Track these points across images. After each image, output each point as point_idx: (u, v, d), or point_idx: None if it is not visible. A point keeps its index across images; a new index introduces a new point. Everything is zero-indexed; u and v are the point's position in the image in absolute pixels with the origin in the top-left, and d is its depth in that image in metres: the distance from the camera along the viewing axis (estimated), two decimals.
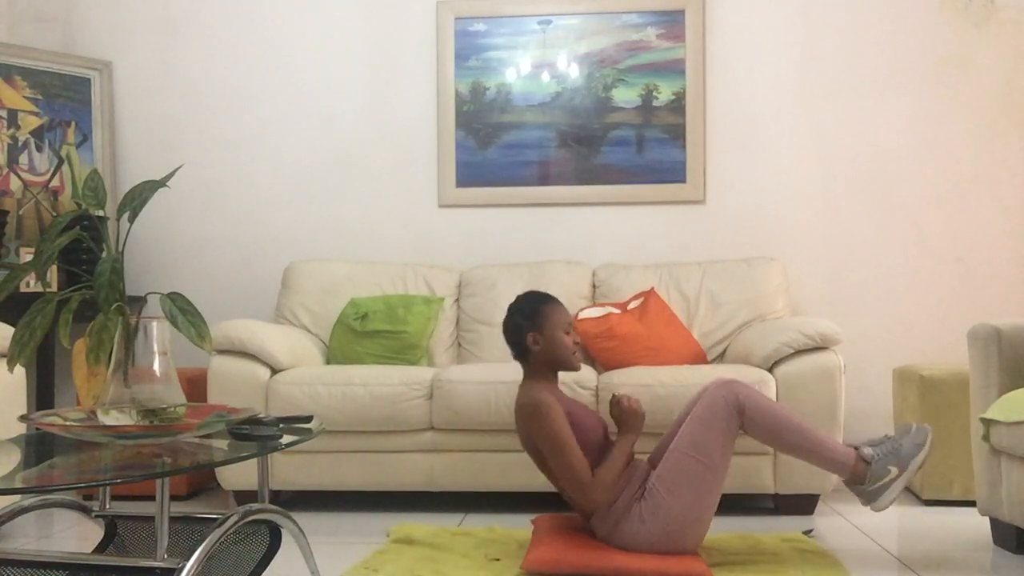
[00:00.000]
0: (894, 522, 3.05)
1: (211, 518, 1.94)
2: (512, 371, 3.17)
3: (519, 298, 2.65)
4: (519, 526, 2.82)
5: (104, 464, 1.74)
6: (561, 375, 3.10)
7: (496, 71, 4.03)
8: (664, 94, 3.97)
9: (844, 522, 3.02)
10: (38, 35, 4.15)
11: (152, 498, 1.62)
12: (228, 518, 1.69)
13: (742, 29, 3.97)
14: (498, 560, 2.49)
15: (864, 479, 2.42)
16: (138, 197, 1.89)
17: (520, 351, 2.59)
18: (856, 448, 2.45)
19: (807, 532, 2.80)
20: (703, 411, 2.44)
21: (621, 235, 3.98)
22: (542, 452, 2.48)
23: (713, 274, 3.71)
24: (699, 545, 2.45)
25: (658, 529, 2.37)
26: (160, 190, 1.89)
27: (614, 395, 2.59)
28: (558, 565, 2.33)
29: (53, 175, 3.99)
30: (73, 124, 4.05)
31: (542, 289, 3.64)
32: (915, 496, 3.37)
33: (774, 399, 2.60)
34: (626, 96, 3.99)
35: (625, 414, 2.53)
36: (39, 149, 3.96)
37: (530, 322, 2.55)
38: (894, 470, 2.41)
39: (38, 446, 1.97)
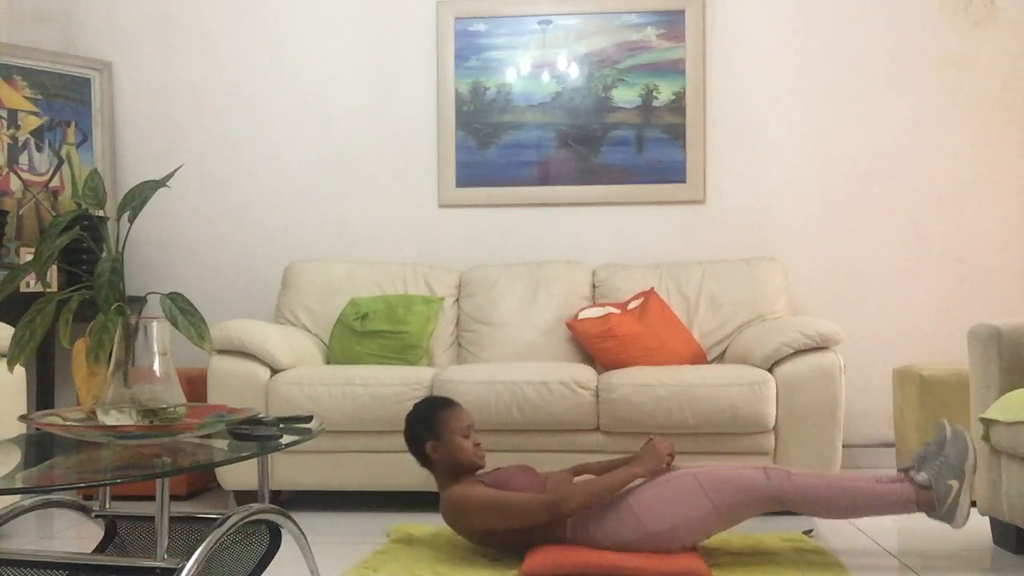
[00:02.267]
0: (894, 522, 3.05)
1: (211, 518, 1.94)
2: (512, 371, 3.18)
3: (415, 406, 2.66)
4: None
5: (104, 464, 1.74)
6: (559, 377, 3.12)
7: (496, 71, 4.03)
8: (664, 94, 3.97)
9: (844, 522, 3.02)
10: (38, 35, 4.15)
11: (152, 498, 1.62)
12: (228, 518, 1.69)
13: (742, 29, 3.97)
14: (498, 560, 2.49)
15: (933, 505, 2.39)
16: (138, 197, 1.88)
17: (423, 460, 2.59)
18: (909, 479, 2.41)
19: (807, 532, 2.80)
20: (742, 475, 2.41)
21: (621, 235, 3.98)
22: (496, 532, 2.47)
23: (713, 274, 3.71)
24: (691, 545, 2.45)
25: (637, 526, 2.37)
26: (160, 190, 1.89)
27: (651, 438, 2.54)
28: (557, 565, 2.33)
29: (53, 175, 3.99)
30: (73, 124, 4.05)
31: (542, 290, 3.69)
32: None
33: (818, 474, 2.51)
34: (626, 96, 3.99)
35: (650, 452, 2.48)
36: (39, 149, 3.96)
37: (429, 431, 2.55)
38: (955, 483, 2.38)
39: (38, 446, 1.97)
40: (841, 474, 2.53)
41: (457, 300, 3.81)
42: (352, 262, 3.90)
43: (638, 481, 2.51)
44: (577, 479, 2.56)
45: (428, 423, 2.57)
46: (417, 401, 2.72)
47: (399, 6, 4.09)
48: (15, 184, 3.89)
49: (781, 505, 2.41)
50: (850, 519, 2.55)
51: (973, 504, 2.43)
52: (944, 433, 2.47)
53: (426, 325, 3.59)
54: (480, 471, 2.58)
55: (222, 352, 3.21)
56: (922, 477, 2.40)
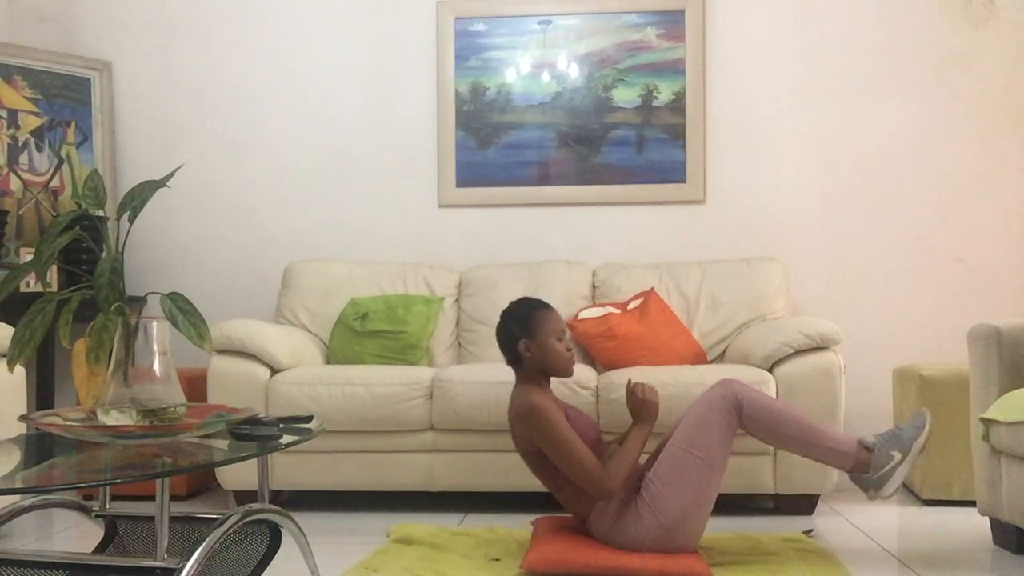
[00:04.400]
0: (894, 522, 3.06)
1: (211, 518, 1.94)
2: (512, 372, 3.18)
3: (512, 304, 2.64)
4: (519, 526, 2.82)
5: (104, 464, 1.74)
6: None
7: (496, 71, 4.03)
8: (664, 94, 3.97)
9: (844, 522, 3.02)
10: (38, 35, 4.15)
11: (152, 498, 1.62)
12: (228, 518, 1.69)
13: (742, 29, 3.97)
14: (498, 560, 2.49)
15: (868, 467, 2.42)
16: (138, 197, 1.89)
17: (513, 357, 2.58)
18: (858, 439, 2.46)
19: (807, 532, 2.80)
20: (701, 409, 2.45)
21: (621, 235, 3.98)
22: (541, 455, 2.47)
23: (713, 274, 3.71)
24: (697, 542, 2.46)
25: (655, 524, 2.37)
26: (160, 190, 1.89)
27: (630, 381, 2.57)
28: (558, 565, 2.33)
29: (53, 175, 3.99)
30: (73, 124, 4.05)
31: (542, 289, 3.69)
32: (915, 496, 3.38)
33: (774, 397, 2.61)
34: (626, 96, 3.99)
35: (639, 404, 2.51)
36: (39, 149, 3.96)
37: (523, 329, 2.54)
38: (897, 455, 2.41)
39: (38, 446, 1.97)
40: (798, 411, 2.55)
41: (457, 300, 3.81)
42: (352, 262, 3.90)
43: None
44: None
45: (523, 321, 2.55)
46: (514, 300, 2.68)
47: (399, 6, 4.09)
48: (15, 184, 3.89)
49: (739, 415, 2.42)
50: (790, 451, 2.55)
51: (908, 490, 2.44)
52: (922, 418, 2.50)
53: (426, 325, 3.59)
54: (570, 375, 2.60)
55: (222, 352, 3.21)
56: (869, 439, 2.44)
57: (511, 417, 2.53)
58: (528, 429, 2.47)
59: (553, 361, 2.53)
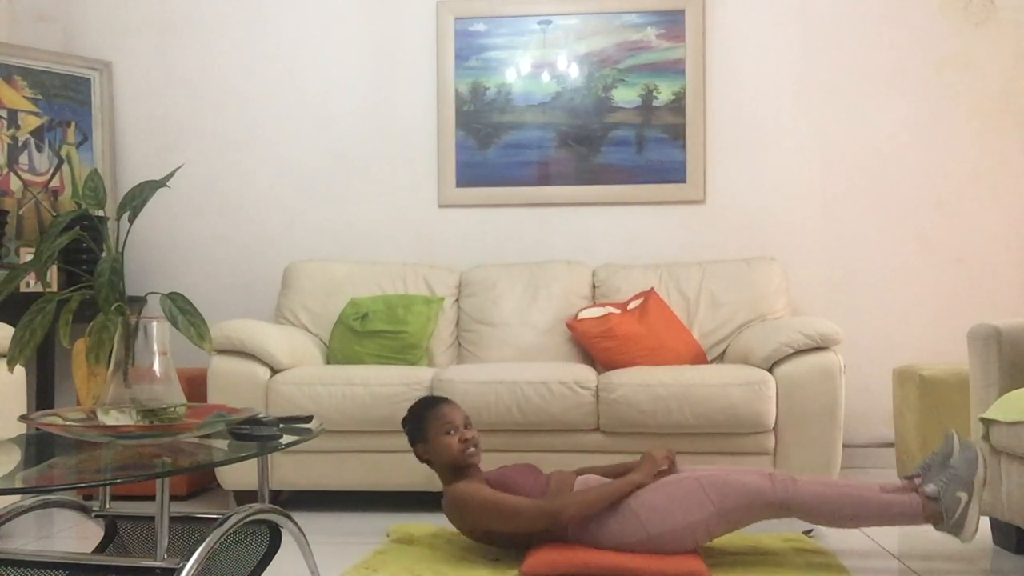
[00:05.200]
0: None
1: (211, 518, 1.94)
2: (512, 371, 3.18)
3: (409, 409, 2.68)
4: None
5: (104, 464, 1.74)
6: (559, 377, 3.11)
7: (496, 71, 4.03)
8: (664, 94, 3.97)
9: None
10: (38, 35, 4.15)
11: (152, 498, 1.62)
12: (228, 518, 1.69)
13: (742, 29, 3.97)
14: (498, 560, 2.49)
15: (940, 517, 2.34)
16: (138, 197, 1.89)
17: (423, 461, 2.64)
18: (916, 488, 2.38)
19: (807, 532, 2.80)
20: (746, 481, 2.40)
21: (621, 235, 3.98)
22: (493, 531, 2.49)
23: (713, 274, 3.71)
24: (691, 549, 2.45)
25: (639, 529, 2.37)
26: (160, 190, 1.89)
27: (672, 451, 2.55)
28: (557, 565, 2.33)
29: (53, 175, 3.99)
30: (73, 124, 4.05)
31: (542, 290, 3.69)
32: None
33: (823, 480, 2.50)
34: (626, 96, 3.99)
35: (649, 461, 2.48)
36: (39, 149, 3.96)
37: (418, 434, 2.60)
38: (964, 495, 2.33)
39: (38, 446, 1.97)
40: (846, 482, 2.51)
41: (457, 300, 3.81)
42: (352, 262, 3.90)
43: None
44: (580, 478, 2.55)
45: (416, 427, 2.62)
46: (414, 402, 2.73)
47: (399, 6, 4.09)
48: (15, 184, 3.89)
49: (786, 513, 2.40)
50: (855, 528, 2.53)
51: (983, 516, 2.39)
52: (951, 444, 2.43)
53: (426, 325, 3.59)
54: (482, 469, 2.59)
55: (222, 352, 3.21)
56: (930, 488, 2.35)
57: (449, 517, 2.56)
58: (465, 519, 2.52)
59: (446, 457, 2.55)
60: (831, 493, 2.39)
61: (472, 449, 2.57)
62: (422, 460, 2.64)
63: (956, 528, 2.34)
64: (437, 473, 2.63)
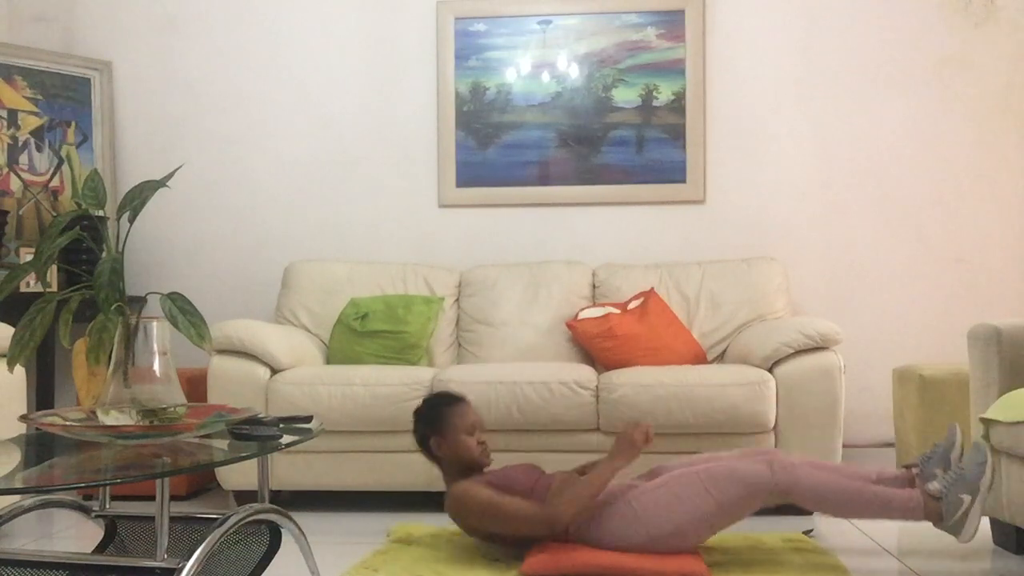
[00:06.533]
0: (895, 522, 3.05)
1: (211, 518, 1.94)
2: (512, 371, 3.18)
3: (423, 402, 2.68)
4: None
5: (104, 464, 1.74)
6: (559, 377, 3.11)
7: (496, 71, 4.03)
8: (664, 94, 3.97)
9: (844, 522, 3.02)
10: (38, 35, 4.15)
11: (152, 498, 1.62)
12: (228, 518, 1.69)
13: (742, 29, 3.97)
14: (498, 560, 2.49)
15: (941, 516, 2.34)
16: (138, 197, 1.89)
17: (429, 456, 2.61)
18: (921, 486, 2.38)
19: (807, 532, 2.80)
20: (746, 470, 2.38)
21: (621, 235, 3.98)
22: (492, 530, 2.48)
23: (713, 274, 3.71)
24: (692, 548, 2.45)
25: (639, 530, 2.37)
26: (160, 190, 1.89)
27: (625, 428, 2.52)
28: (557, 565, 2.33)
29: (53, 175, 3.99)
30: (73, 124, 4.05)
31: (542, 290, 3.69)
32: None
33: (823, 465, 2.50)
34: (626, 96, 3.99)
35: (624, 441, 2.46)
36: (39, 149, 3.96)
37: (432, 428, 2.56)
38: (967, 498, 2.31)
39: (38, 446, 1.97)
40: (847, 467, 2.50)
41: (457, 300, 3.81)
42: (352, 262, 3.90)
43: (633, 479, 2.51)
44: (583, 479, 2.55)
45: (433, 420, 2.57)
46: (426, 396, 2.71)
47: (399, 6, 4.08)
48: (15, 184, 3.89)
49: (785, 498, 2.39)
50: (855, 519, 2.53)
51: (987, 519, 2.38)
52: (954, 436, 2.44)
53: (426, 325, 3.59)
54: (487, 469, 2.58)
55: (222, 352, 3.21)
56: (934, 487, 2.35)
57: (451, 516, 2.55)
58: (467, 518, 2.50)
59: (464, 455, 2.54)
60: (832, 485, 2.39)
61: (488, 451, 2.58)
62: (431, 455, 2.60)
63: (955, 528, 2.34)
64: (441, 470, 2.61)
